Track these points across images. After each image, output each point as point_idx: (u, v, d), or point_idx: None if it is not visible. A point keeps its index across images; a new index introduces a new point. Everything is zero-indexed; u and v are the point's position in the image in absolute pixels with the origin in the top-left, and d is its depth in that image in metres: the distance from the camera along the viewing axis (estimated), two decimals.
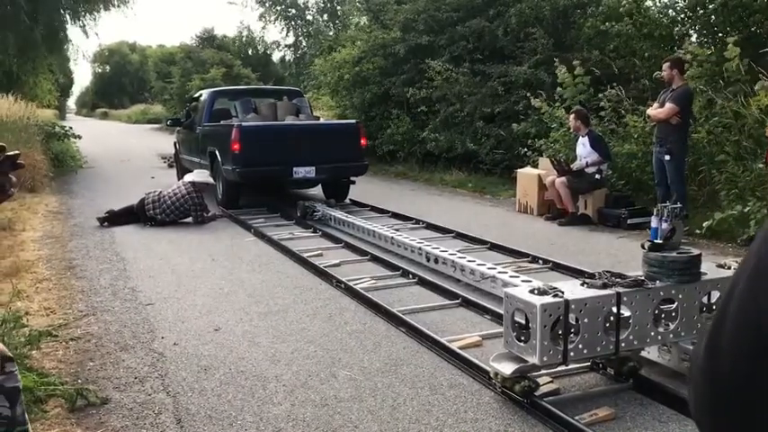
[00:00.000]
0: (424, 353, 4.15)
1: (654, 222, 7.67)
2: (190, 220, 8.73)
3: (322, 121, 12.32)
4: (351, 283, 5.56)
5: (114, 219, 8.60)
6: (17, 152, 1.77)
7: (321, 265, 6.24)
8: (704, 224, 7.19)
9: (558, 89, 10.42)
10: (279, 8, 39.60)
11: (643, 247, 3.81)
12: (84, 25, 20.03)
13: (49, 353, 4.17)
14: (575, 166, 8.62)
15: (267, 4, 39.87)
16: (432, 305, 5.14)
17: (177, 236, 8.04)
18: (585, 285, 3.54)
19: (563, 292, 3.40)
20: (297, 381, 3.75)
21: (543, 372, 3.61)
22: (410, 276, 5.93)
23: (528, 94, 11.11)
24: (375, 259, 6.65)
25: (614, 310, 3.45)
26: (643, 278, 3.60)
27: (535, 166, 9.94)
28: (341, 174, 10.20)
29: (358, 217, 8.48)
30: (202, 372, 3.91)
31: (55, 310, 5.08)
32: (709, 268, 3.80)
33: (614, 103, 9.89)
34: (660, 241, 3.77)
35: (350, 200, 10.45)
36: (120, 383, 3.77)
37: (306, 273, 6.20)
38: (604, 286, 3.49)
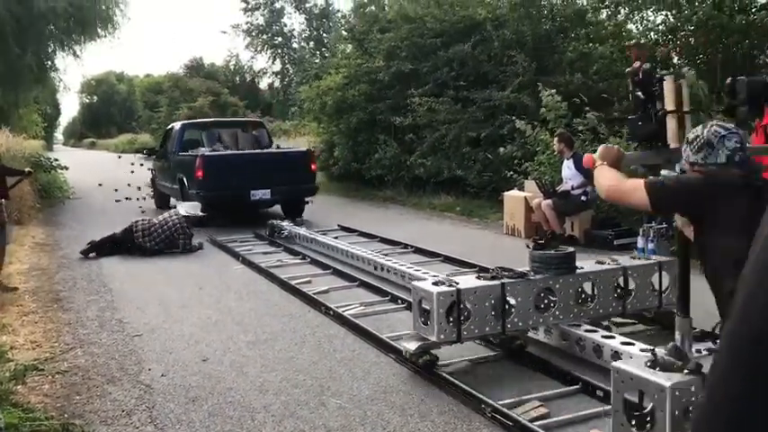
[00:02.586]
0: (413, 379, 4.13)
1: (640, 242, 7.70)
2: (178, 249, 8.74)
3: (278, 149, 13.34)
4: (339, 310, 5.55)
5: (98, 248, 8.58)
6: None
7: (310, 293, 6.23)
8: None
9: (542, 110, 10.52)
10: (265, 36, 39.97)
11: (528, 247, 4.47)
12: (75, 52, 20.07)
13: (35, 387, 4.12)
14: (560, 188, 8.67)
15: (254, 33, 40.27)
16: None
17: (165, 265, 8.01)
18: (479, 278, 4.27)
19: (457, 283, 4.10)
20: (286, 410, 3.73)
21: (532, 396, 3.62)
22: (399, 302, 5.92)
23: (513, 118, 11.22)
24: (364, 285, 6.64)
25: (500, 297, 4.11)
26: (527, 272, 4.28)
27: (521, 188, 9.99)
28: (294, 195, 11.55)
29: (344, 241, 8.50)
30: (190, 403, 3.88)
31: (41, 344, 5.03)
32: (587, 264, 4.51)
33: (595, 125, 10.00)
34: (543, 242, 4.45)
35: (338, 225, 10.50)
36: (107, 417, 3.73)
37: (294, 300, 6.18)
38: (493, 278, 4.19)
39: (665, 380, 2.58)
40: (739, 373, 0.62)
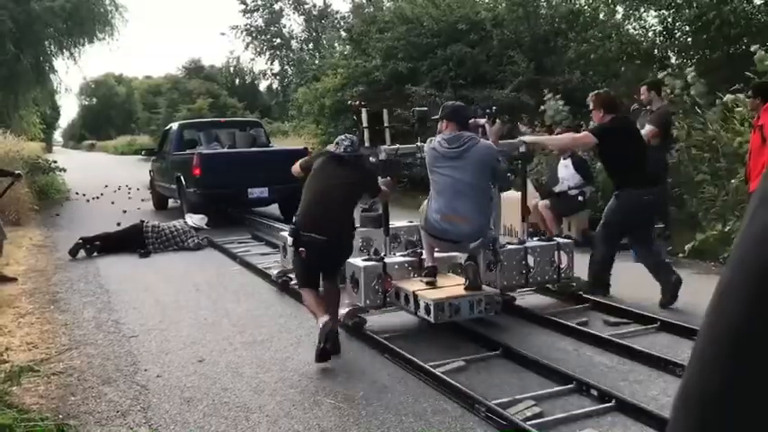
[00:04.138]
0: (408, 379, 4.13)
1: None
2: (189, 244, 9.11)
3: (274, 148, 13.51)
4: None
5: (88, 245, 8.70)
6: None
7: None
8: (686, 246, 7.28)
9: (543, 109, 10.53)
10: (264, 38, 39.98)
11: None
12: (73, 54, 20.09)
13: (30, 388, 4.12)
14: (557, 188, 8.66)
15: (253, 35, 40.28)
16: (417, 330, 5.13)
17: (162, 267, 8.02)
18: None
19: (382, 259, 5.29)
20: (280, 411, 3.73)
21: (526, 395, 3.63)
22: None
23: (510, 118, 11.22)
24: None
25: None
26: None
27: (518, 189, 9.97)
28: (292, 193, 11.22)
29: None
30: (185, 404, 3.88)
31: (37, 345, 5.03)
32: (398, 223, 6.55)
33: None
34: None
35: None
36: (102, 418, 3.73)
37: (290, 301, 6.18)
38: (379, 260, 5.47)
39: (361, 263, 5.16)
40: (718, 368, 0.56)
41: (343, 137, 5.04)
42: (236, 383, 4.16)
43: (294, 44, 40.99)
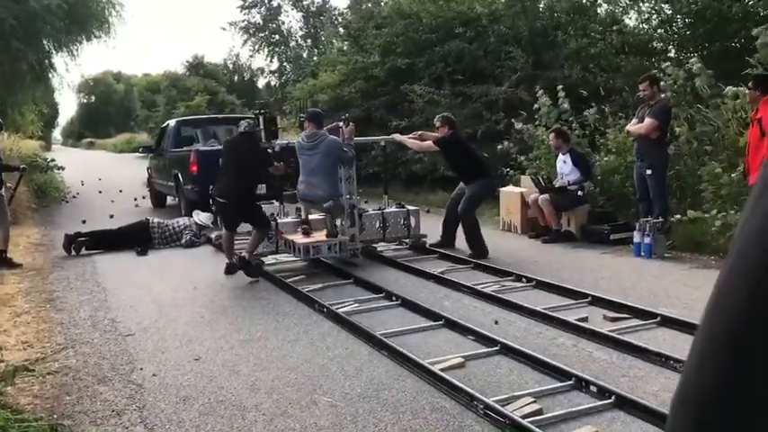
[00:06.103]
0: (406, 376, 4.09)
1: (636, 237, 7.67)
2: (182, 242, 9.12)
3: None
4: (333, 308, 5.51)
5: (78, 241, 8.72)
6: None
7: (304, 290, 6.19)
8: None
9: (536, 106, 10.49)
10: (262, 35, 39.86)
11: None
12: (72, 53, 20.00)
13: (25, 388, 4.08)
14: (556, 183, 8.62)
15: (251, 31, 40.15)
16: (415, 327, 5.09)
17: (159, 265, 7.98)
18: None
19: (275, 220, 7.55)
20: (277, 409, 3.69)
21: (525, 392, 3.59)
22: (393, 299, 5.88)
23: (508, 117, 11.19)
24: (358, 282, 6.60)
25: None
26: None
27: (517, 184, 9.94)
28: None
29: None
30: (181, 403, 3.84)
31: (32, 344, 5.00)
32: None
33: (594, 122, 9.97)
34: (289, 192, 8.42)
35: None
36: (97, 417, 3.69)
37: (289, 298, 6.14)
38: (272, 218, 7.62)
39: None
40: (717, 367, 0.53)
41: (242, 121, 7.31)
42: (233, 382, 4.12)
43: (293, 41, 40.86)
